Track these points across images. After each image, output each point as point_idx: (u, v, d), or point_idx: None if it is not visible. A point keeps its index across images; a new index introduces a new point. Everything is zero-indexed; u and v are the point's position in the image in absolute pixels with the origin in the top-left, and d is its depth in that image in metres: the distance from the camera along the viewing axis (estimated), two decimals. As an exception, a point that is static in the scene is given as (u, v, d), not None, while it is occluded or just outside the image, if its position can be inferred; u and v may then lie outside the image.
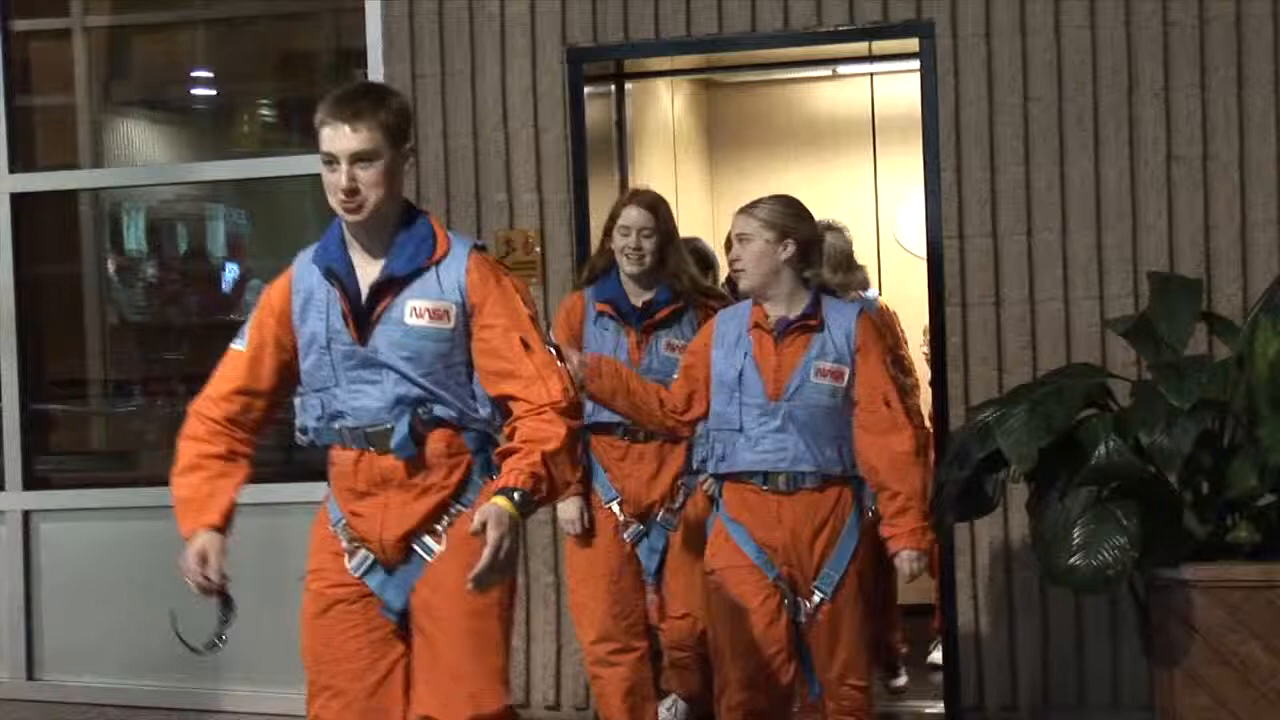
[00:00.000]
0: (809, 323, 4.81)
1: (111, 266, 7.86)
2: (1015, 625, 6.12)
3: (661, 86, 7.90)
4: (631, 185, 6.89)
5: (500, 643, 3.84)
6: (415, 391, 3.78)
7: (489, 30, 6.48)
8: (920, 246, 6.49)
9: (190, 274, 8.05)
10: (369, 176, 3.73)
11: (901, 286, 7.71)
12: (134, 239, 8.01)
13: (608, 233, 5.54)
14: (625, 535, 5.53)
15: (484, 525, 3.52)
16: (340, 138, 3.73)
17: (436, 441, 3.81)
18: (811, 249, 4.91)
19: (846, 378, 4.78)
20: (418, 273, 3.80)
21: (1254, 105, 5.95)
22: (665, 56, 7.12)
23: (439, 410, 3.79)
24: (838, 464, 4.78)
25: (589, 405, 5.19)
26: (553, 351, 3.81)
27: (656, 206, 5.47)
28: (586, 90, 6.55)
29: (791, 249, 4.80)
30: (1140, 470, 5.01)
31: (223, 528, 3.81)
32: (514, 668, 6.39)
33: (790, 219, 4.84)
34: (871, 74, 8.08)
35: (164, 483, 6.54)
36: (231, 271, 7.98)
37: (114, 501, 6.91)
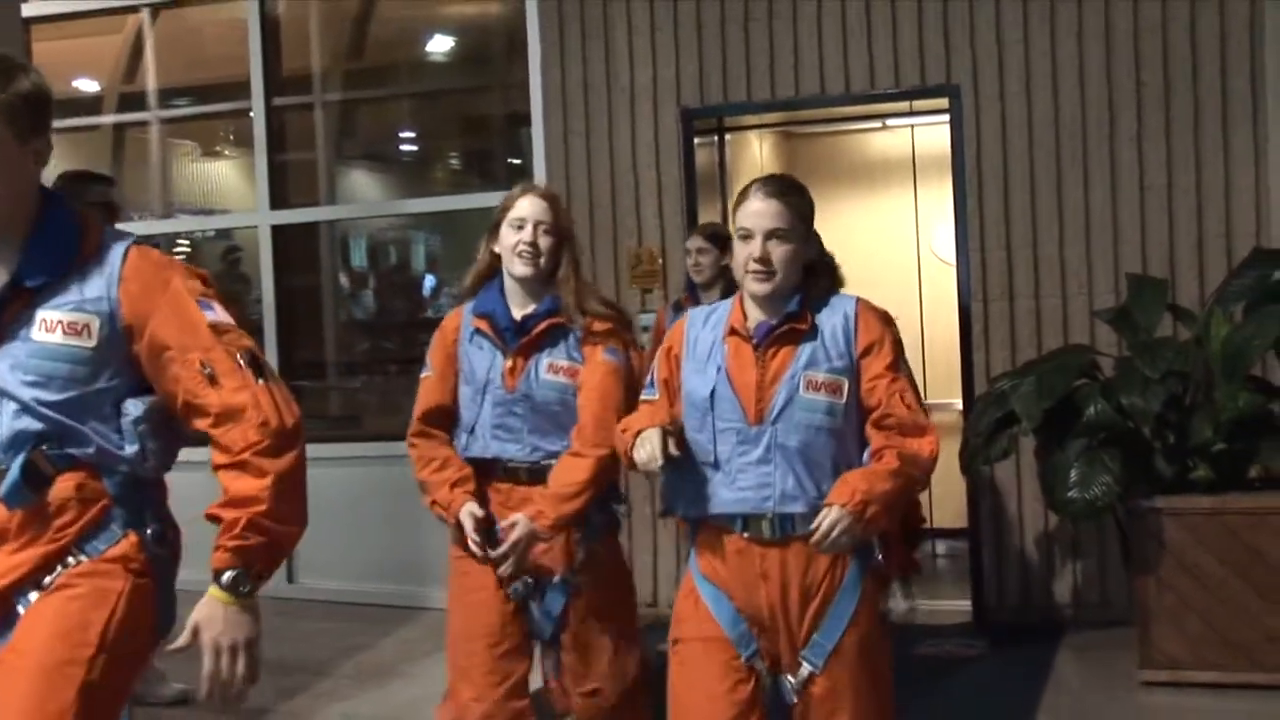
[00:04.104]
0: (797, 326, 2.96)
1: (343, 279, 7.93)
2: (1026, 544, 6.09)
3: (752, 137, 7.85)
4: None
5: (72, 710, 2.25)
6: (38, 426, 2.31)
7: (622, 97, 6.52)
8: (951, 257, 6.48)
9: (399, 284, 8.16)
10: None
11: (937, 287, 7.70)
12: (358, 258, 8.10)
13: (494, 231, 3.58)
14: (508, 592, 3.50)
15: (195, 633, 2.23)
16: None
17: (65, 483, 2.33)
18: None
19: (846, 392, 2.92)
20: (54, 279, 2.34)
21: (1207, 146, 5.89)
22: (755, 114, 7.09)
23: (71, 449, 2.33)
24: None
25: (463, 438, 3.53)
26: (243, 365, 2.33)
27: (555, 200, 3.59)
28: (695, 140, 6.57)
29: (815, 243, 3.03)
30: (1122, 425, 5.03)
31: None
32: (642, 574, 6.29)
33: (811, 205, 3.04)
34: (913, 125, 7.99)
35: (384, 438, 6.71)
36: (429, 282, 8.05)
37: (347, 452, 6.88)
